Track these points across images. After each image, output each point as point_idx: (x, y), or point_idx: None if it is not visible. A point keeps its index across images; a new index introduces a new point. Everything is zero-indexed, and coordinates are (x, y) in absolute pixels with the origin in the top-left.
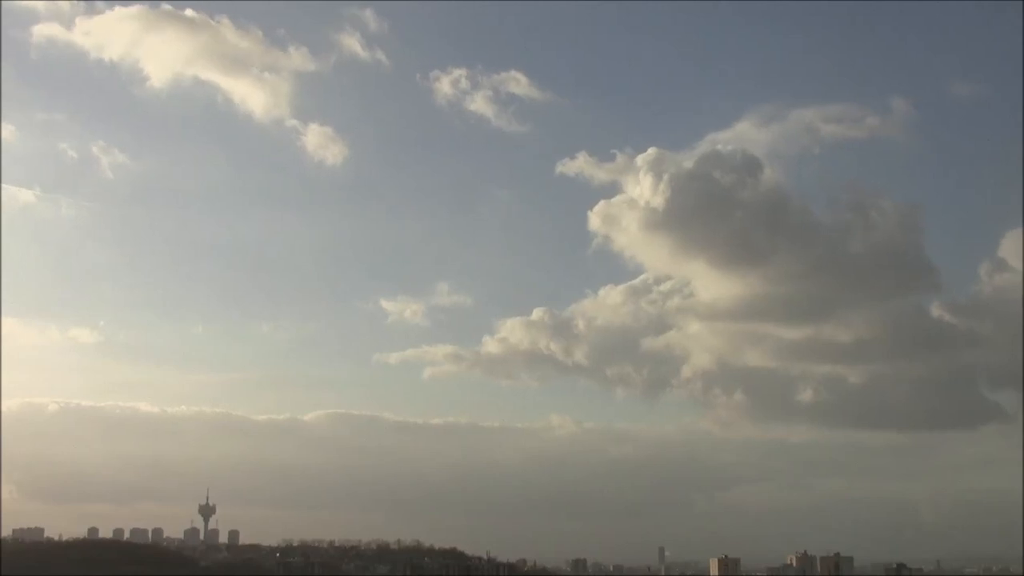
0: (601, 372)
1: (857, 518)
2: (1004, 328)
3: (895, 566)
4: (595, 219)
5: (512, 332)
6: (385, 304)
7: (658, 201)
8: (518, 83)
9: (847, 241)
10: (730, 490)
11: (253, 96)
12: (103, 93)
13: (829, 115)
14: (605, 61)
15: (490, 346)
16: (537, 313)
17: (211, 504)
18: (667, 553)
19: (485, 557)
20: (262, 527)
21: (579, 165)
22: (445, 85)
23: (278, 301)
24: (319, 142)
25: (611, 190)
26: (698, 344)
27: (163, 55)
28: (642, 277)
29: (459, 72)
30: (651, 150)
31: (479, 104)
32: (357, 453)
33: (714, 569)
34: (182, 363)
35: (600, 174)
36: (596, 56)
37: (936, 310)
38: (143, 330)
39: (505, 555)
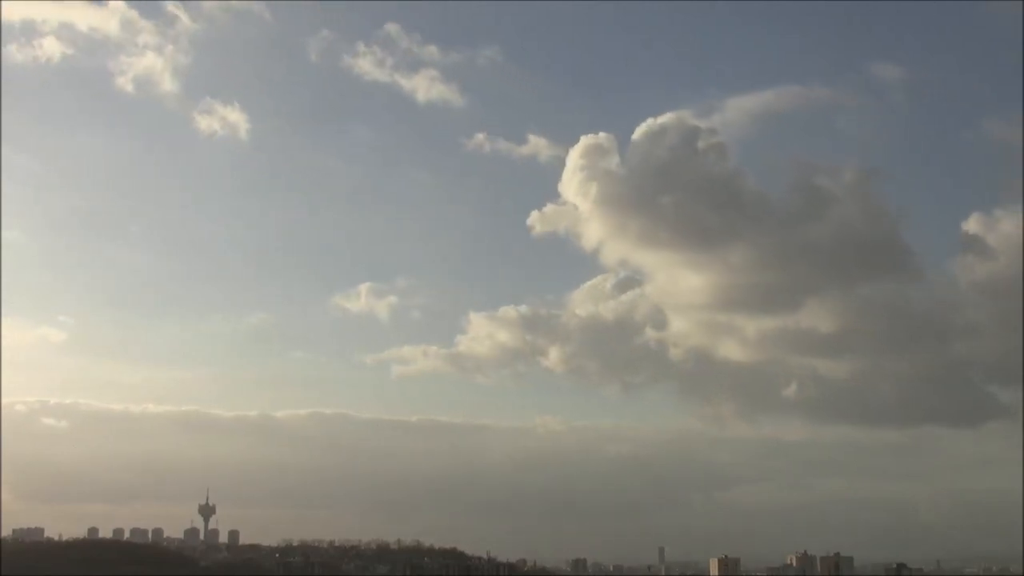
0: (578, 370)
1: (857, 518)
2: (994, 316)
3: (895, 566)
4: (544, 207)
5: (483, 330)
6: (343, 298)
7: (607, 189)
8: (425, 48)
9: (809, 224)
10: (729, 490)
11: (140, 70)
12: None
13: (765, 100)
14: (533, 44)
15: (467, 344)
16: (504, 310)
17: (211, 504)
18: (667, 553)
19: (485, 557)
20: (262, 527)
21: (499, 145)
22: (332, 49)
23: (218, 296)
24: (219, 116)
25: (534, 170)
26: (673, 338)
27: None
28: (604, 270)
29: (341, 34)
30: (600, 135)
31: (368, 67)
32: (345, 452)
33: (714, 569)
34: (136, 360)
35: (519, 151)
36: (520, 36)
37: (915, 295)
38: (100, 327)
39: (505, 555)
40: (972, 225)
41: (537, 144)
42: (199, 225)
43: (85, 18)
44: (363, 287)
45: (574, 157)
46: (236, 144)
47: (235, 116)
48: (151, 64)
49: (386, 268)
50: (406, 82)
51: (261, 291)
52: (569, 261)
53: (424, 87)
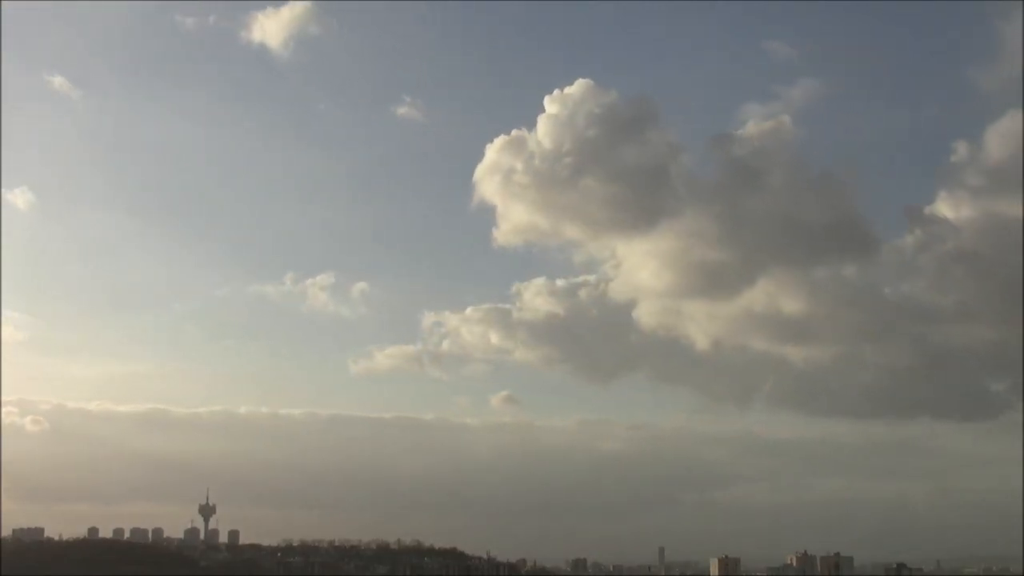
0: (547, 366)
1: (857, 518)
2: (961, 301)
3: (895, 566)
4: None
5: (444, 327)
6: (269, 287)
7: (526, 179)
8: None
9: (753, 203)
10: (727, 489)
11: None
12: None
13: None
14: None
15: (428, 341)
16: (465, 307)
17: (211, 504)
18: (666, 553)
19: (485, 557)
20: (262, 527)
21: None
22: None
23: (133, 285)
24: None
25: (413, 130)
26: (637, 329)
27: None
28: (547, 263)
29: None
30: (516, 131)
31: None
32: (338, 451)
33: (714, 569)
34: (77, 355)
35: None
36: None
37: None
38: (37, 321)
39: (505, 555)
40: (917, 206)
41: (409, 109)
42: (79, 207)
43: None
44: (287, 277)
45: (492, 151)
46: (71, 113)
47: (59, 83)
48: None
49: (307, 258)
50: (243, 32)
51: (176, 278)
52: (498, 257)
53: (258, 35)
